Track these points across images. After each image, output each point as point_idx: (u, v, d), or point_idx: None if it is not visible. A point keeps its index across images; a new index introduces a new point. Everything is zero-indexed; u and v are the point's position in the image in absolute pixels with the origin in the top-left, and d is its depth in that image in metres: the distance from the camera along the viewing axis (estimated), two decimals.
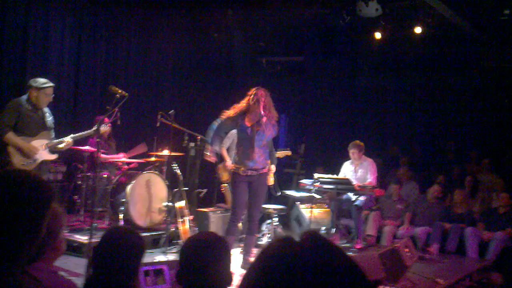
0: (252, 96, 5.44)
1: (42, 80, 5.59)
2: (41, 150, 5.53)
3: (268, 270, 1.03)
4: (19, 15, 7.28)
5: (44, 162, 5.59)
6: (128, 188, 6.62)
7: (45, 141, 5.58)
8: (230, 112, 5.55)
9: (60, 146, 5.82)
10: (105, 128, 6.14)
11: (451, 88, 10.37)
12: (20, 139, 5.40)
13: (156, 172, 6.98)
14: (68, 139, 5.81)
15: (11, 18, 7.18)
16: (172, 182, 6.71)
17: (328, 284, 0.99)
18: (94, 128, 5.89)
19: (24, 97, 5.57)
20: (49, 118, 5.76)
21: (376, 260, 4.81)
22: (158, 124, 6.50)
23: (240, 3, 8.58)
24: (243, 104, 5.51)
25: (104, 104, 6.56)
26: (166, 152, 6.66)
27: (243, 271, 5.21)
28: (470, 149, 9.83)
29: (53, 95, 5.69)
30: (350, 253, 5.51)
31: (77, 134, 5.93)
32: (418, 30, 8.54)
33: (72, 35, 7.98)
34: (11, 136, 5.37)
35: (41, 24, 7.56)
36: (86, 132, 6.00)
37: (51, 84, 5.63)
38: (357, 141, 7.52)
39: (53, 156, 5.72)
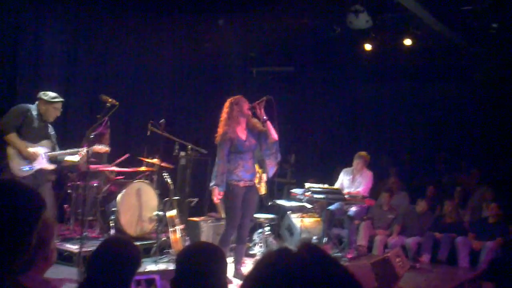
0: (238, 105, 5.40)
1: (52, 94, 5.59)
2: (41, 158, 5.43)
3: (265, 281, 1.02)
4: (10, 23, 7.23)
5: (41, 171, 5.46)
6: (118, 197, 6.58)
7: (45, 150, 5.49)
8: (222, 130, 5.43)
9: (74, 159, 5.75)
10: (102, 148, 6.06)
11: (440, 100, 10.45)
12: (23, 143, 5.32)
13: (147, 181, 6.95)
14: (84, 151, 5.70)
15: (2, 27, 7.13)
16: (163, 191, 6.67)
17: None
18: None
19: (33, 106, 5.54)
20: (52, 132, 5.74)
21: (369, 269, 4.80)
22: (148, 133, 6.47)
23: (231, 13, 8.60)
24: (231, 117, 5.39)
25: (94, 115, 6.51)
26: (156, 161, 6.63)
27: (236, 281, 5.19)
28: (460, 160, 9.89)
29: (61, 109, 5.67)
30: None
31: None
32: (408, 42, 8.62)
33: (63, 45, 7.95)
34: (14, 137, 5.28)
35: (32, 34, 7.52)
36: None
37: (60, 99, 5.63)
38: (364, 153, 7.55)
39: (51, 166, 5.63)
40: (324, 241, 7.13)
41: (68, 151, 5.78)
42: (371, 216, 8.35)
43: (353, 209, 7.45)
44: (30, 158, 5.33)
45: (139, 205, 6.73)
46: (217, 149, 5.51)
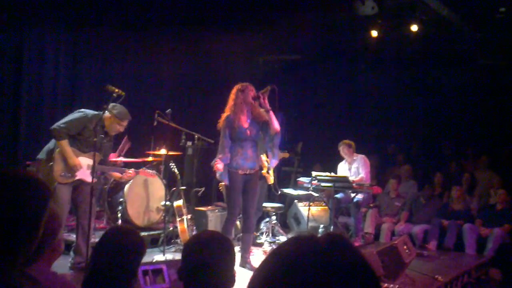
0: (244, 93, 5.39)
1: (123, 110, 5.40)
2: (84, 169, 5.30)
3: (282, 266, 1.00)
4: (14, 28, 7.26)
5: (80, 181, 5.30)
6: (126, 187, 6.61)
7: (90, 162, 5.26)
8: (225, 115, 5.46)
9: (117, 175, 5.81)
10: (151, 173, 6.20)
11: (447, 86, 10.38)
12: (71, 152, 5.20)
13: (154, 171, 6.96)
14: (132, 172, 5.74)
15: (6, 33, 7.15)
16: (170, 181, 6.70)
17: (342, 283, 0.97)
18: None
19: (98, 114, 5.28)
20: (109, 143, 5.66)
21: (375, 257, 4.82)
22: (155, 123, 6.48)
23: (237, 2, 8.54)
24: (236, 103, 5.41)
25: (101, 107, 6.52)
26: (163, 151, 6.64)
27: (243, 270, 5.22)
28: (467, 146, 9.84)
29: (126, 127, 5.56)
30: None
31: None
32: (414, 28, 8.54)
33: (68, 37, 7.97)
34: (65, 144, 5.15)
35: (36, 34, 7.55)
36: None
37: (129, 117, 5.49)
38: (346, 140, 7.59)
39: (90, 179, 5.35)
40: (331, 229, 7.14)
41: (114, 167, 5.78)
42: (378, 204, 8.35)
43: (359, 197, 7.45)
44: (73, 169, 5.20)
45: (146, 196, 6.76)
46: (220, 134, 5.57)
